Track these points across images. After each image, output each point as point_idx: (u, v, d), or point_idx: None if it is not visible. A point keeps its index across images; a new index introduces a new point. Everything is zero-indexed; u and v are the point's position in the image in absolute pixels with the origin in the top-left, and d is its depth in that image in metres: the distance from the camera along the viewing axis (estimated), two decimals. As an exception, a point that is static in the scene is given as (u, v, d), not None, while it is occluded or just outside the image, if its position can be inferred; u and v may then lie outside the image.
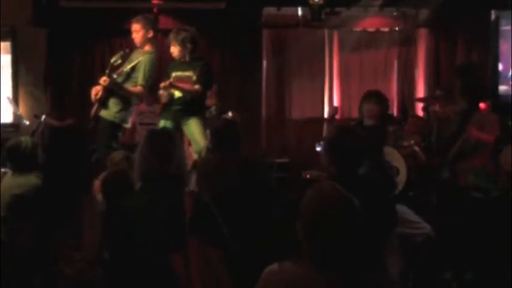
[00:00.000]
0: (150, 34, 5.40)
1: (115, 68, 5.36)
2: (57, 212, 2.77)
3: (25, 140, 3.94)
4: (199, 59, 5.53)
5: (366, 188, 3.04)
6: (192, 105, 5.41)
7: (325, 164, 3.20)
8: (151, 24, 5.45)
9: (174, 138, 2.88)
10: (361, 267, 1.91)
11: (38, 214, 2.80)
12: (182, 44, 5.37)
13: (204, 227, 2.67)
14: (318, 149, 4.85)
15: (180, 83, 5.40)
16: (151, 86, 5.89)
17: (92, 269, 2.75)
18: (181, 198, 2.69)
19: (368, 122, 4.87)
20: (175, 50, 5.39)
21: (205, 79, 5.41)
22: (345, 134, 3.17)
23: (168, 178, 2.75)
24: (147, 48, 5.39)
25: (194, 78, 5.37)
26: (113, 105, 5.33)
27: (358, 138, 3.13)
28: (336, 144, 3.10)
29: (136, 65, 5.31)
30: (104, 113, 5.33)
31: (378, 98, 5.01)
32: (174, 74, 5.44)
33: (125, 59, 5.40)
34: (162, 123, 5.42)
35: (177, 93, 5.41)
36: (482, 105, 5.35)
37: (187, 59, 5.43)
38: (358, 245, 1.90)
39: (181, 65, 5.46)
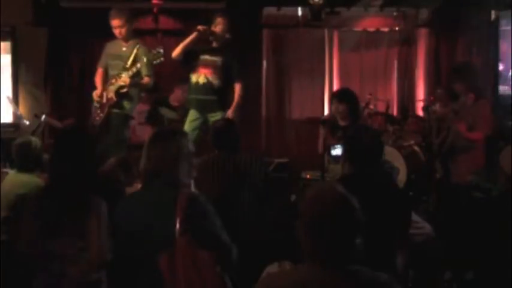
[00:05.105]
0: (133, 26, 5.62)
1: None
2: (62, 212, 2.75)
3: (34, 140, 4.07)
4: (227, 46, 5.64)
5: (381, 186, 3.06)
6: (219, 97, 5.52)
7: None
8: (132, 16, 5.61)
9: (177, 138, 2.85)
10: (365, 264, 1.93)
11: (42, 214, 2.79)
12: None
13: (196, 229, 2.64)
14: (333, 152, 4.76)
15: (205, 68, 5.52)
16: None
17: (96, 270, 2.75)
18: (175, 198, 2.65)
19: (341, 122, 4.74)
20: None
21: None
22: (364, 133, 3.19)
23: (164, 178, 2.73)
24: (135, 40, 5.52)
25: (219, 63, 5.51)
26: (126, 102, 5.51)
27: (375, 137, 3.15)
28: (357, 142, 3.12)
29: (134, 58, 5.43)
30: (116, 110, 5.48)
31: (341, 96, 4.79)
32: (202, 57, 5.54)
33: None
34: (189, 113, 5.63)
35: (202, 81, 5.49)
36: (471, 96, 5.32)
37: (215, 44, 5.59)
38: (358, 242, 1.92)
39: (209, 47, 5.58)
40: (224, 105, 5.53)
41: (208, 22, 5.58)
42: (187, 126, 5.58)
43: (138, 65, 5.38)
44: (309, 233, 1.93)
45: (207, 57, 5.52)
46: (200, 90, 5.52)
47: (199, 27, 5.45)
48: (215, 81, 5.51)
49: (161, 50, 5.37)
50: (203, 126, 5.58)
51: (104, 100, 5.47)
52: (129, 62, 5.43)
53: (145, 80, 5.43)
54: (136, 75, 5.41)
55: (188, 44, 5.48)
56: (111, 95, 5.41)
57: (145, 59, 5.41)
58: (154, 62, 5.35)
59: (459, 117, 5.30)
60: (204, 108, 5.56)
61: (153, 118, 6.84)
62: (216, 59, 5.52)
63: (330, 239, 1.90)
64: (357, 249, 1.92)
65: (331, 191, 1.98)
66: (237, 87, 5.57)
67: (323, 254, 1.91)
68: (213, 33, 5.51)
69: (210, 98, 5.51)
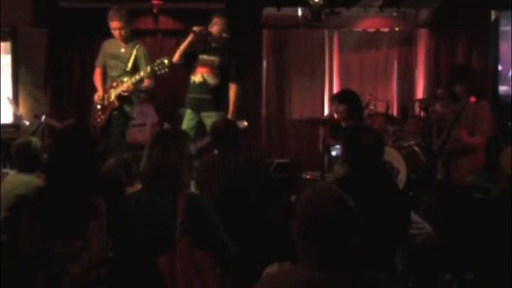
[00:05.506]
0: (131, 27, 5.62)
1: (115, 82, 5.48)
2: (62, 212, 2.75)
3: (34, 140, 4.08)
4: (226, 46, 5.63)
5: (381, 187, 3.06)
6: (214, 97, 5.48)
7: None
8: (131, 17, 5.61)
9: (179, 139, 2.84)
10: (362, 265, 1.92)
11: (42, 214, 2.79)
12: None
13: (196, 230, 2.64)
14: (333, 153, 4.75)
15: (202, 67, 5.51)
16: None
17: (97, 269, 2.75)
18: (175, 199, 2.65)
19: (343, 123, 4.74)
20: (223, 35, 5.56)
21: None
22: (362, 133, 3.19)
23: (164, 179, 2.73)
24: (134, 41, 5.51)
25: (217, 63, 5.51)
26: (127, 104, 5.49)
27: (374, 137, 3.15)
28: (355, 142, 3.12)
29: (135, 60, 5.42)
30: (117, 112, 5.47)
31: (341, 97, 4.83)
32: (200, 57, 5.55)
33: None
34: (186, 113, 5.65)
35: (198, 80, 5.49)
36: (472, 98, 5.31)
37: (214, 44, 5.58)
38: (355, 243, 1.92)
39: (208, 47, 5.58)
40: (218, 105, 5.52)
41: (207, 23, 5.59)
42: (184, 125, 5.60)
43: (142, 73, 5.33)
44: (305, 234, 1.92)
45: (205, 56, 5.54)
46: (196, 89, 5.54)
47: (195, 28, 5.45)
48: (211, 80, 5.51)
49: (166, 61, 5.24)
50: (199, 125, 5.59)
51: (106, 102, 5.46)
52: (130, 65, 5.42)
53: (146, 82, 5.42)
54: (140, 82, 5.41)
55: (186, 46, 5.49)
56: (113, 99, 5.40)
57: (145, 62, 5.40)
58: (159, 72, 5.28)
59: (459, 123, 5.29)
60: (198, 107, 5.56)
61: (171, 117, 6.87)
62: (214, 58, 5.53)
63: (326, 239, 1.89)
64: (354, 249, 1.92)
65: (327, 192, 1.97)
66: (232, 89, 5.53)
67: (320, 255, 1.90)
68: (209, 34, 5.51)
69: (205, 97, 5.51)
